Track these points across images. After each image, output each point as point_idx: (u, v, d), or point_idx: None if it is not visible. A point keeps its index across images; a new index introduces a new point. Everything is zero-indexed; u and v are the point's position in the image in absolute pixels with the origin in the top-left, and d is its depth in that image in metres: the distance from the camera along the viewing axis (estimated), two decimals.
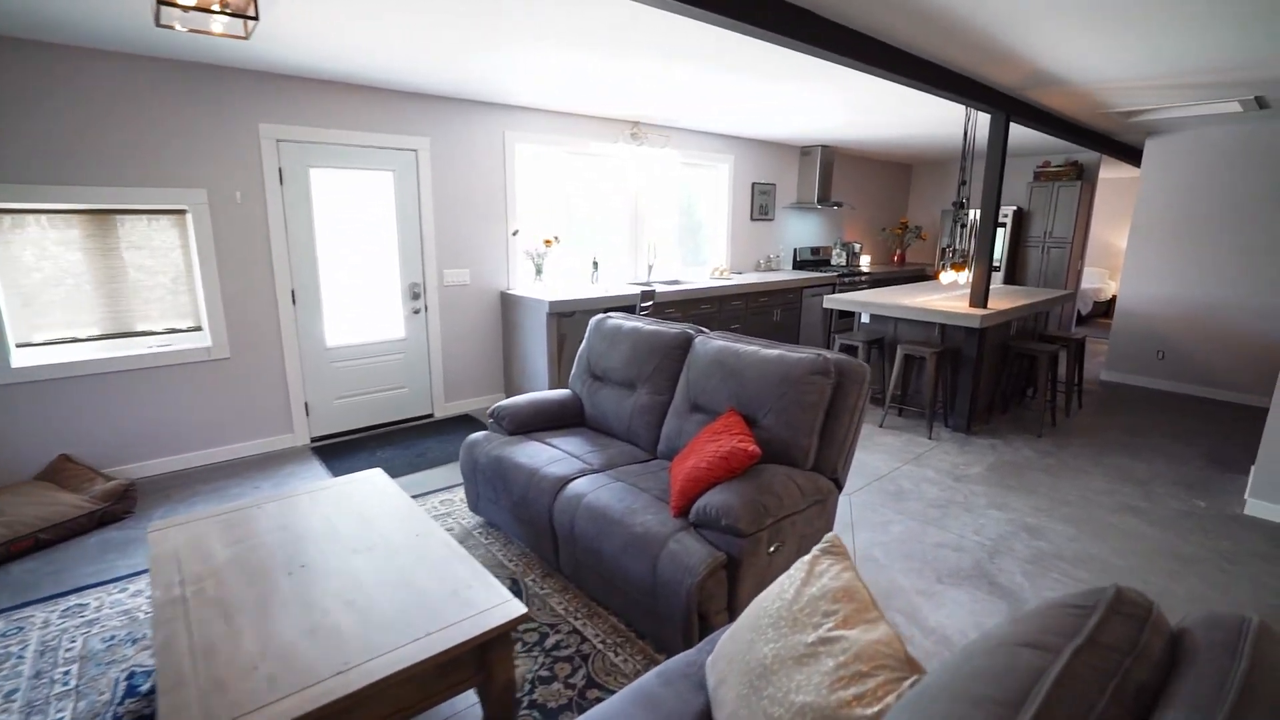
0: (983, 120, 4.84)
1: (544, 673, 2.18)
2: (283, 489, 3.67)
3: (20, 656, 2.22)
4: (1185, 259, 5.81)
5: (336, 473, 3.90)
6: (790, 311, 6.70)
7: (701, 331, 3.04)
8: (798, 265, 7.68)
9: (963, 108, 4.74)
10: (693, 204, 6.60)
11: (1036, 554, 3.00)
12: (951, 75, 3.64)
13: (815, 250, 7.86)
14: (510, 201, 5.06)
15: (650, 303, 5.04)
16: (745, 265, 7.17)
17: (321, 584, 1.85)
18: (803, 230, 7.84)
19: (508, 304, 5.09)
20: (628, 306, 5.08)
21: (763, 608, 1.34)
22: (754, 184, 6.99)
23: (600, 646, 2.31)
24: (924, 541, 3.10)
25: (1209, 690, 0.75)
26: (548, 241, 5.10)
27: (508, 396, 5.25)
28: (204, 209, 3.79)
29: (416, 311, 4.77)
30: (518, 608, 1.75)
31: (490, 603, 1.77)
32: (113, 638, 2.33)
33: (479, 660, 1.74)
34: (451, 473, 3.88)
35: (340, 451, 4.27)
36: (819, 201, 7.30)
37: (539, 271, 5.13)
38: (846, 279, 7.30)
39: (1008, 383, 5.13)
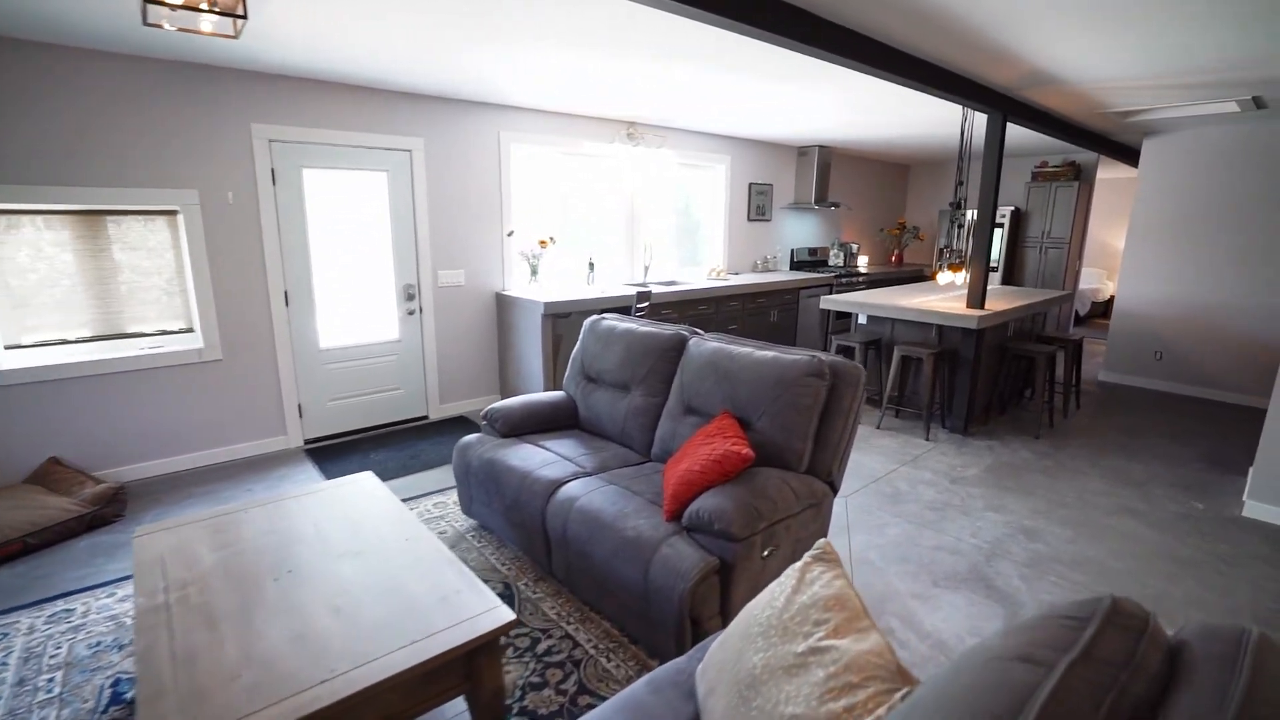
0: (980, 120, 4.82)
1: (535, 679, 2.15)
2: (275, 491, 3.65)
3: (4, 664, 2.19)
4: (1183, 259, 5.79)
5: (330, 475, 3.87)
6: (787, 312, 6.68)
7: (696, 333, 3.01)
8: (795, 266, 7.66)
9: (960, 108, 4.72)
10: (689, 204, 6.57)
11: (1034, 557, 2.97)
12: (948, 75, 3.62)
13: (813, 251, 7.84)
14: (505, 202, 5.03)
15: (646, 304, 5.01)
16: (742, 266, 7.15)
17: (308, 590, 1.83)
18: (800, 231, 7.82)
19: (503, 305, 5.06)
20: (623, 307, 5.06)
21: (753, 615, 1.31)
22: (751, 184, 6.97)
23: (592, 652, 2.28)
24: (920, 544, 3.07)
25: (1208, 706, 0.72)
26: (543, 242, 5.07)
27: (503, 398, 5.22)
28: (196, 210, 3.76)
29: (411, 313, 4.74)
30: (506, 614, 1.72)
31: (479, 609, 1.74)
32: (99, 644, 2.30)
33: (467, 667, 1.71)
34: (446, 475, 3.86)
35: (334, 454, 4.24)
36: (816, 202, 7.28)
37: (534, 272, 5.11)
38: (844, 280, 7.28)
39: (1005, 384, 5.11)
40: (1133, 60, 3.40)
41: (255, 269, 4.02)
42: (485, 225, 4.97)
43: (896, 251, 9.03)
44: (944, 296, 5.27)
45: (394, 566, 1.95)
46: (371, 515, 2.30)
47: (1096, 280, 10.01)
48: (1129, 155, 6.55)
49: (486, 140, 4.85)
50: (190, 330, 3.92)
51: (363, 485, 2.57)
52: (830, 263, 8.04)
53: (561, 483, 2.60)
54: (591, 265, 5.52)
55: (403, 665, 1.53)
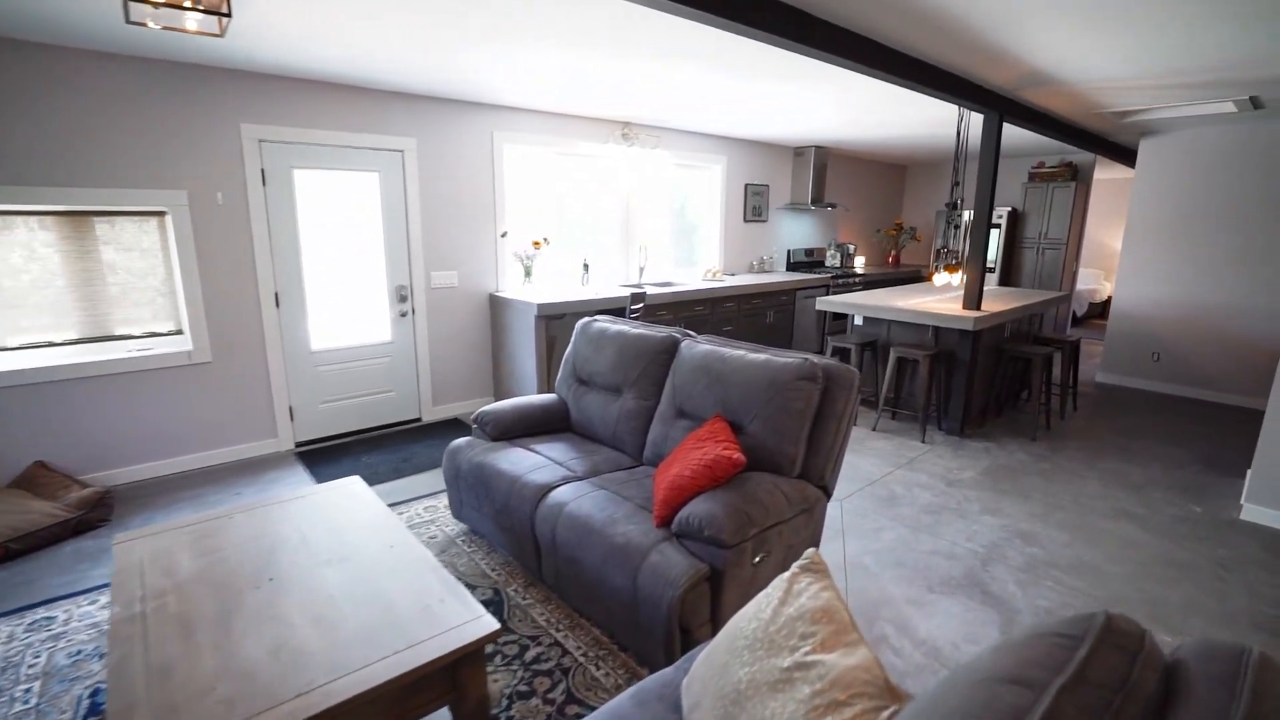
0: (976, 120, 4.79)
1: (523, 687, 2.11)
2: (265, 495, 3.61)
3: None
4: (1180, 260, 5.77)
5: (321, 478, 3.83)
6: (783, 313, 6.65)
7: (689, 335, 2.98)
8: (791, 267, 7.63)
9: (956, 108, 4.69)
10: (685, 205, 6.54)
11: (1030, 561, 2.94)
12: (944, 75, 3.59)
13: (809, 252, 7.82)
14: (499, 203, 4.99)
15: (641, 305, 4.98)
16: (739, 267, 7.12)
17: (289, 598, 1.79)
18: (797, 231, 7.79)
19: (496, 306, 5.02)
20: (618, 309, 5.02)
21: (739, 628, 1.28)
22: (747, 185, 6.94)
23: (581, 660, 2.25)
24: (916, 549, 3.04)
25: None
26: (536, 243, 5.03)
27: (497, 400, 5.18)
28: (184, 210, 3.72)
29: (403, 314, 4.70)
30: (490, 623, 1.69)
31: (462, 618, 1.71)
32: (79, 652, 2.26)
33: (451, 678, 1.67)
34: (438, 478, 3.82)
35: (325, 457, 4.20)
36: (813, 202, 7.25)
37: (528, 273, 5.07)
38: (840, 281, 7.25)
39: (1002, 385, 5.08)
40: (1129, 60, 3.37)
41: (245, 270, 3.98)
42: (478, 226, 4.93)
43: (894, 252, 9.01)
44: (940, 298, 5.24)
45: (378, 574, 1.92)
46: (357, 521, 2.26)
47: (1094, 281, 10.00)
48: (1126, 156, 6.53)
49: (479, 140, 4.82)
50: (179, 332, 3.88)
51: (349, 490, 2.53)
52: (827, 264, 8.01)
53: (551, 487, 2.56)
54: (586, 266, 5.48)
55: (383, 677, 1.49)
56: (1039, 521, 3.34)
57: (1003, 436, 4.66)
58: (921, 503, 3.54)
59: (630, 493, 2.47)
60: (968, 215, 7.63)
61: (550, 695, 2.08)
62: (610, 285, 5.63)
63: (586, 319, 3.39)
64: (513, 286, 5.17)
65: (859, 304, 4.93)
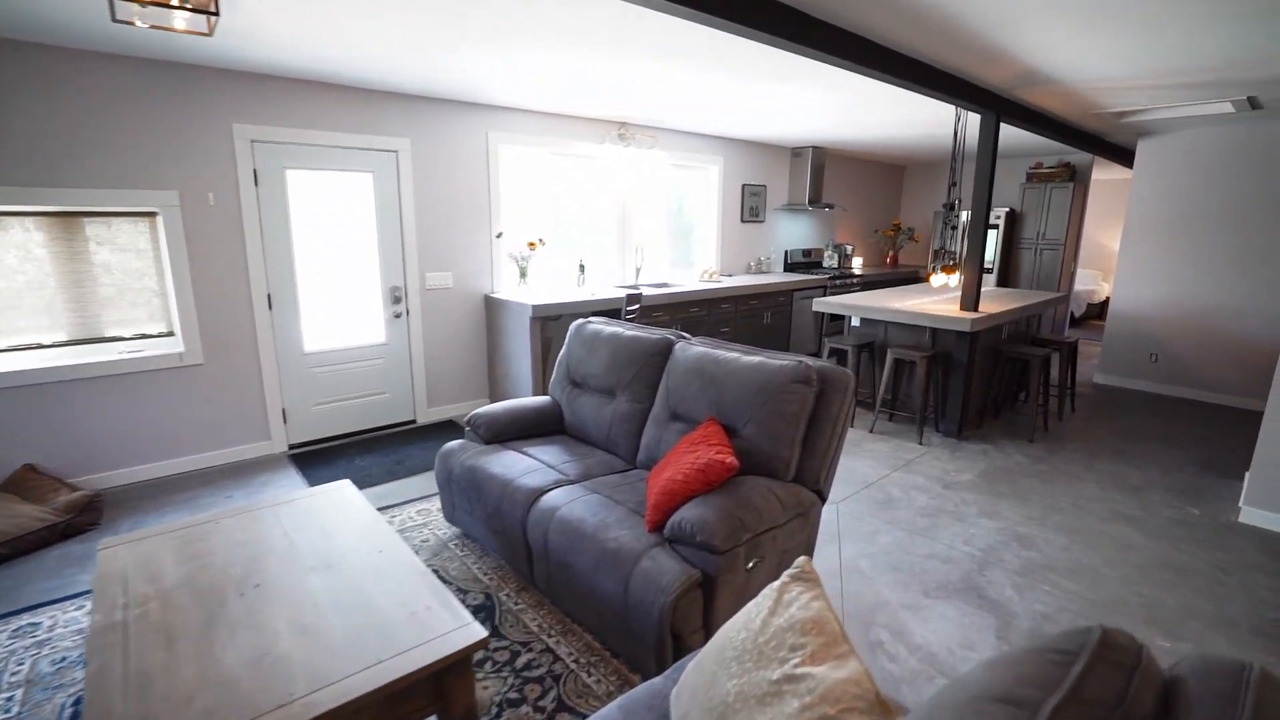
0: (973, 121, 4.77)
1: (513, 694, 2.09)
2: (256, 498, 3.58)
3: None
4: (1178, 261, 5.75)
5: (314, 481, 3.80)
6: (780, 314, 6.62)
7: (683, 337, 2.95)
8: (789, 267, 7.61)
9: (953, 108, 4.67)
10: (682, 206, 6.51)
11: (1027, 565, 2.92)
12: (941, 75, 3.57)
13: (807, 252, 7.79)
14: (494, 203, 4.96)
15: (637, 306, 4.95)
16: (736, 267, 7.09)
17: (273, 606, 1.76)
18: (794, 232, 7.76)
19: (492, 307, 4.99)
20: (614, 310, 5.00)
21: (728, 638, 1.25)
22: (744, 185, 6.91)
23: (573, 666, 2.22)
24: (912, 552, 3.01)
25: None
26: (531, 244, 5.01)
27: (492, 402, 5.16)
28: (175, 211, 3.69)
29: (398, 315, 4.67)
30: (477, 631, 1.66)
31: (449, 626, 1.68)
32: (63, 659, 2.22)
33: (437, 687, 1.64)
34: (431, 481, 3.79)
35: (319, 459, 4.17)
36: (810, 203, 7.23)
37: (523, 274, 5.04)
38: (838, 281, 7.23)
39: (999, 387, 5.06)
40: (1127, 60, 3.35)
41: (237, 271, 3.95)
42: (473, 227, 4.90)
43: (891, 253, 8.99)
44: (938, 299, 5.22)
45: (364, 580, 1.89)
46: (346, 526, 2.23)
47: (1092, 281, 9.98)
48: (1124, 156, 6.51)
49: (474, 141, 4.79)
50: (171, 334, 3.85)
51: (339, 494, 2.50)
52: (825, 264, 7.99)
53: (543, 491, 2.54)
54: (582, 267, 5.46)
55: (366, 688, 1.46)
56: (1036, 524, 3.31)
57: (1000, 438, 4.64)
58: (918, 505, 3.51)
59: (623, 497, 2.44)
60: (965, 216, 7.61)
61: (541, 703, 2.05)
62: (606, 286, 5.60)
63: (580, 320, 3.36)
64: (508, 287, 5.14)
65: (856, 305, 4.90)
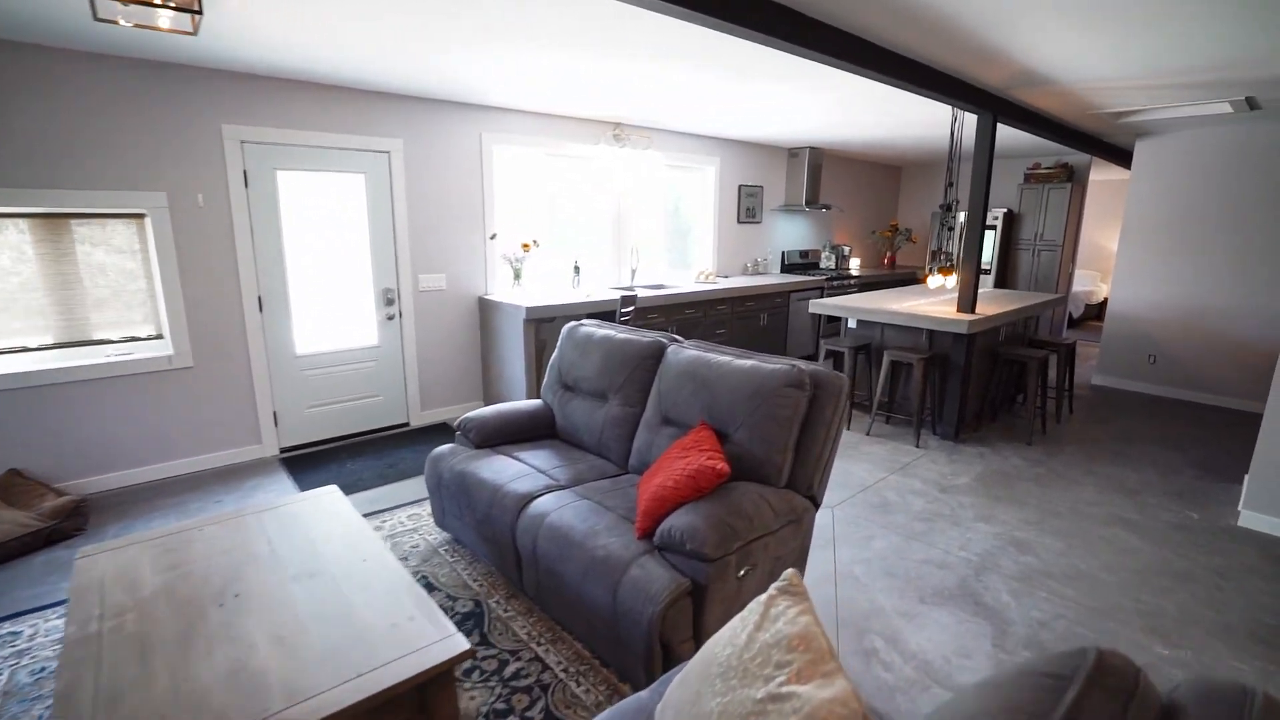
0: (970, 121, 4.74)
1: (500, 705, 2.05)
2: (246, 503, 3.54)
3: None
4: (1177, 262, 5.72)
5: (305, 485, 3.76)
6: (777, 316, 6.59)
7: (676, 340, 2.91)
8: (786, 268, 7.57)
9: (950, 108, 4.64)
10: (679, 206, 6.48)
11: (1024, 570, 2.88)
12: (937, 75, 3.54)
13: (804, 253, 7.76)
14: (488, 204, 4.93)
15: (632, 308, 4.91)
16: (732, 269, 7.06)
17: (253, 616, 1.72)
18: (791, 233, 7.73)
19: (486, 309, 4.96)
20: (609, 311, 4.96)
21: (713, 653, 1.21)
22: (741, 186, 6.88)
23: (562, 675, 2.18)
24: (908, 558, 2.98)
25: None
26: (525, 245, 4.97)
27: (487, 404, 5.12)
28: (164, 213, 3.65)
29: (390, 318, 4.63)
30: (460, 643, 1.62)
31: (432, 637, 1.64)
32: (42, 670, 2.18)
33: (419, 700, 1.61)
34: (423, 485, 3.75)
35: (310, 463, 4.12)
36: (807, 204, 7.20)
37: (517, 276, 5.01)
38: (835, 282, 7.20)
39: (997, 389, 5.03)
40: (1124, 60, 3.31)
41: (227, 273, 3.91)
42: (467, 228, 4.86)
43: (889, 254, 8.95)
44: (935, 300, 5.18)
45: (347, 590, 1.85)
46: (331, 533, 2.20)
47: (1090, 282, 9.96)
48: (1121, 157, 6.48)
49: (468, 141, 4.75)
50: (160, 336, 3.81)
51: (325, 500, 2.46)
52: (822, 265, 7.96)
53: (533, 497, 2.50)
54: (577, 268, 5.42)
55: (344, 702, 1.42)
56: (1033, 529, 3.28)
57: (997, 441, 4.61)
58: (914, 509, 3.48)
59: (614, 503, 2.40)
60: (962, 217, 7.58)
61: (528, 714, 2.01)
62: (602, 287, 5.56)
63: (573, 323, 3.32)
64: (502, 289, 5.10)
65: (852, 307, 4.87)
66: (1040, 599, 2.67)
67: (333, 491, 2.53)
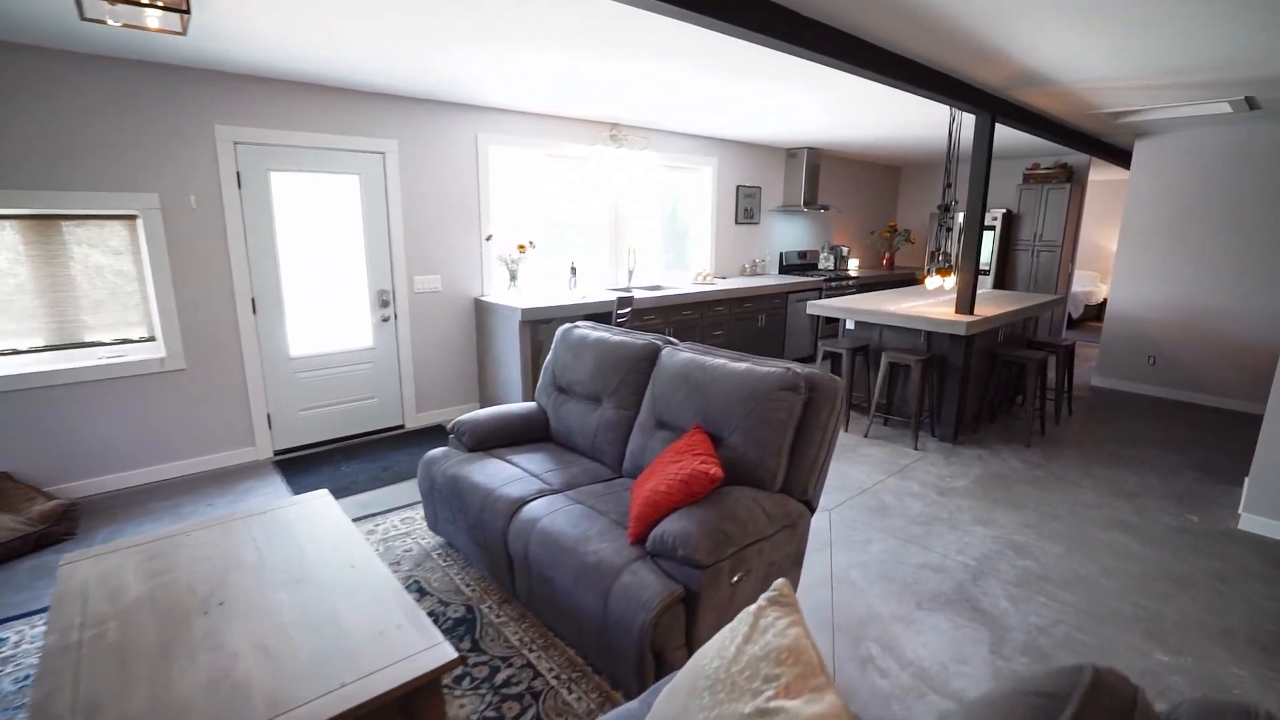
0: (968, 121, 4.71)
1: (490, 713, 2.02)
2: (238, 506, 3.52)
3: None
4: (1176, 262, 5.69)
5: (298, 488, 3.74)
6: (775, 317, 6.56)
7: (670, 342, 2.89)
8: (784, 269, 7.55)
9: (948, 109, 4.61)
10: (677, 207, 6.45)
11: (1022, 575, 2.85)
12: (936, 75, 3.51)
13: (802, 254, 7.73)
14: (484, 205, 4.90)
15: (628, 309, 4.89)
16: (730, 270, 7.03)
17: (237, 625, 1.69)
18: (789, 234, 7.70)
19: (482, 311, 4.93)
20: (605, 313, 4.93)
21: (701, 666, 1.18)
22: (739, 187, 6.85)
23: (554, 683, 2.15)
24: (905, 562, 2.95)
25: None
26: (521, 247, 4.94)
27: (482, 407, 5.09)
28: (156, 214, 3.62)
29: (385, 319, 4.60)
30: (447, 652, 1.59)
31: (418, 646, 1.61)
32: (27, 677, 2.15)
33: (405, 710, 1.58)
34: (418, 488, 3.72)
35: (304, 465, 4.10)
36: (805, 204, 7.17)
37: (513, 277, 4.98)
38: (834, 283, 7.17)
39: (996, 390, 5.00)
40: (1123, 60, 3.29)
41: (220, 275, 3.88)
42: (463, 229, 4.84)
43: (888, 255, 8.93)
44: (933, 301, 5.16)
45: (334, 597, 1.82)
46: (320, 539, 2.17)
47: (1089, 283, 9.93)
48: (1121, 157, 6.46)
49: (463, 142, 4.72)
50: (152, 339, 3.78)
51: (315, 505, 2.43)
52: (820, 266, 7.93)
53: (525, 501, 2.47)
54: (574, 270, 5.39)
55: (328, 714, 1.39)
56: (1032, 532, 3.25)
57: (996, 443, 4.58)
58: (912, 513, 3.45)
59: (607, 507, 2.37)
60: (961, 218, 7.56)
61: None
62: (598, 289, 5.53)
63: (567, 325, 3.30)
64: (498, 291, 5.07)
65: (849, 308, 4.84)
66: (1038, 604, 2.64)
67: (323, 496, 2.51)
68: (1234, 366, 5.48)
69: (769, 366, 2.36)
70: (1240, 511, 3.39)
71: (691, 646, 1.95)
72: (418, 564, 2.91)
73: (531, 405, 3.25)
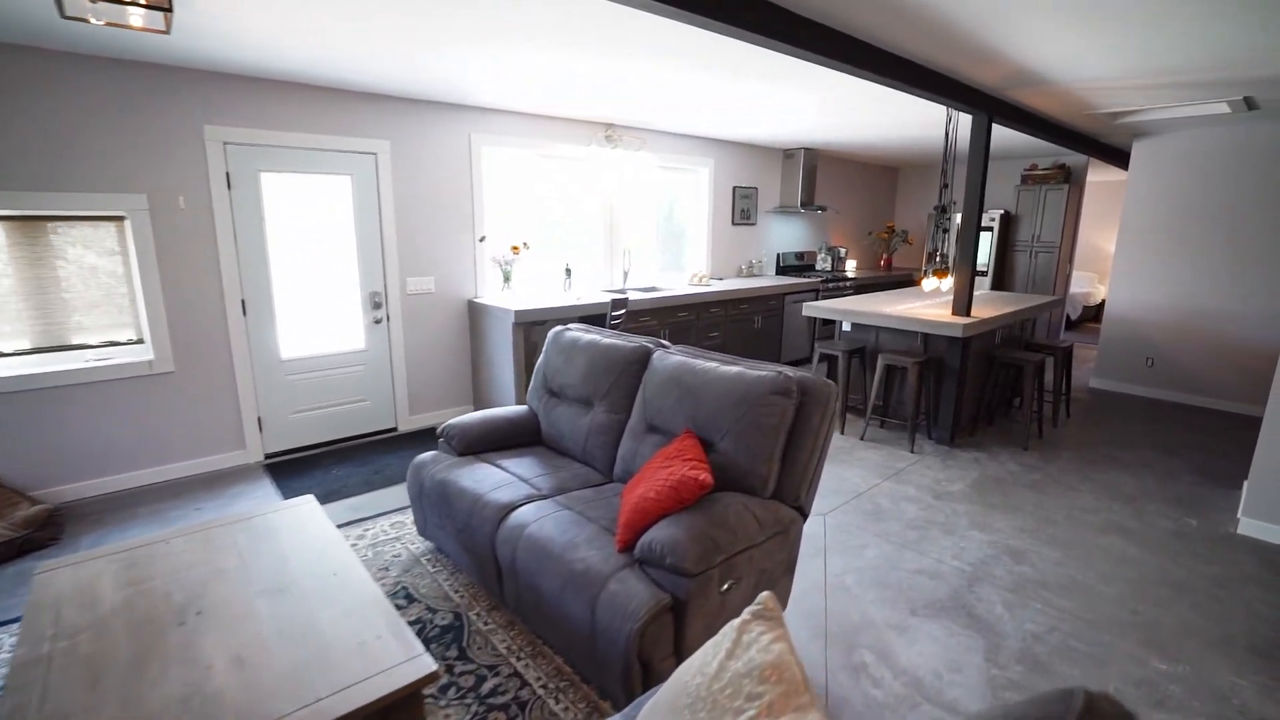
0: (965, 121, 4.67)
1: None
2: (227, 511, 3.48)
3: None
4: (1175, 263, 5.66)
5: (288, 492, 3.70)
6: (772, 319, 6.52)
7: (662, 345, 2.85)
8: (781, 271, 7.51)
9: (944, 109, 4.58)
10: (673, 208, 6.42)
11: (1019, 581, 2.81)
12: (932, 74, 3.48)
13: (800, 255, 7.70)
14: (477, 206, 4.86)
15: (623, 311, 4.85)
16: (727, 271, 6.99)
17: (213, 636, 1.65)
18: (786, 235, 7.67)
19: (475, 313, 4.89)
20: (600, 315, 4.89)
21: (683, 682, 1.14)
22: (735, 188, 6.82)
23: (541, 692, 2.11)
24: (900, 567, 2.91)
25: None
26: (515, 248, 4.91)
27: (477, 409, 5.05)
28: (144, 215, 3.58)
29: (378, 321, 4.56)
30: (427, 664, 1.56)
31: (398, 658, 1.57)
32: (3, 687, 2.11)
33: None
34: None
35: (295, 469, 4.06)
36: (802, 205, 7.13)
37: (507, 279, 4.94)
38: (831, 285, 7.14)
39: (993, 393, 4.96)
40: (1121, 59, 3.26)
41: (210, 277, 3.85)
42: (456, 230, 4.80)
43: (885, 255, 8.89)
44: (930, 303, 5.12)
45: (314, 606, 1.78)
46: (303, 546, 2.13)
47: (1088, 284, 9.90)
48: (1119, 158, 6.43)
49: (457, 143, 4.69)
50: (140, 341, 3.74)
51: (300, 511, 2.39)
52: (817, 267, 7.90)
53: (513, 507, 2.43)
54: (568, 271, 5.35)
55: None
56: (1029, 537, 3.21)
57: (993, 446, 4.54)
58: (908, 517, 3.41)
59: (596, 513, 2.33)
60: (958, 219, 7.53)
61: None
62: (593, 290, 5.50)
63: (559, 328, 3.26)
64: (492, 292, 5.03)
65: (845, 310, 4.81)
66: (1035, 611, 2.60)
67: (308, 501, 2.47)
68: (1233, 368, 5.44)
69: (760, 370, 2.33)
70: (1239, 516, 3.35)
71: (680, 656, 1.91)
72: (406, 570, 2.87)
73: (523, 409, 3.21)
